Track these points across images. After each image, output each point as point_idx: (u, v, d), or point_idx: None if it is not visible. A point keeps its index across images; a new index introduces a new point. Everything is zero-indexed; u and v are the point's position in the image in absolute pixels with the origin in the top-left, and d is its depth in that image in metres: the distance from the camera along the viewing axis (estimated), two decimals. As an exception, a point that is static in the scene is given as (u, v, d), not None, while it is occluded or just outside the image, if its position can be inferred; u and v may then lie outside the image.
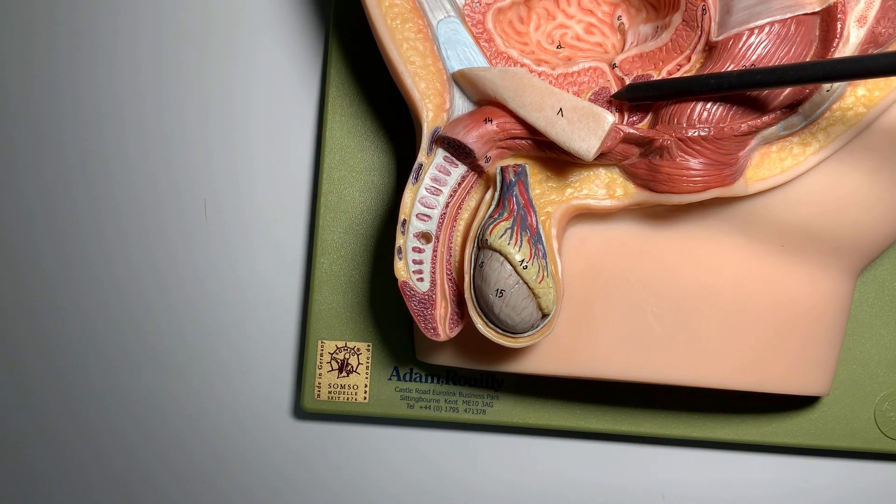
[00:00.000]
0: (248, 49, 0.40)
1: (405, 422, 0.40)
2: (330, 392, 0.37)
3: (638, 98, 0.29)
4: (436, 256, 0.31)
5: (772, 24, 0.28)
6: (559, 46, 0.33)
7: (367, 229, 0.38)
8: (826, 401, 0.37)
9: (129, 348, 0.40)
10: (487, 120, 0.30)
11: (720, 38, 0.29)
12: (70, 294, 0.40)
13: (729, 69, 0.29)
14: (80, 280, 0.40)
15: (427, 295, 0.31)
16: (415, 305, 0.31)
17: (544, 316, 0.30)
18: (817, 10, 0.28)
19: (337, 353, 0.38)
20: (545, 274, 0.29)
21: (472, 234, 0.30)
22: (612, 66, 0.31)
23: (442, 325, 0.31)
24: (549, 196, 0.31)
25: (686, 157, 0.29)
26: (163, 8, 0.41)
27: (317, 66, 0.40)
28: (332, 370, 0.38)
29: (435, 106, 0.31)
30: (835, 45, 0.28)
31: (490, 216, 0.30)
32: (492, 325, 0.30)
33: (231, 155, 0.40)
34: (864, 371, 0.37)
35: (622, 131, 0.29)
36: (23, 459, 0.40)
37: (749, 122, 0.29)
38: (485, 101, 0.30)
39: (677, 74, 0.30)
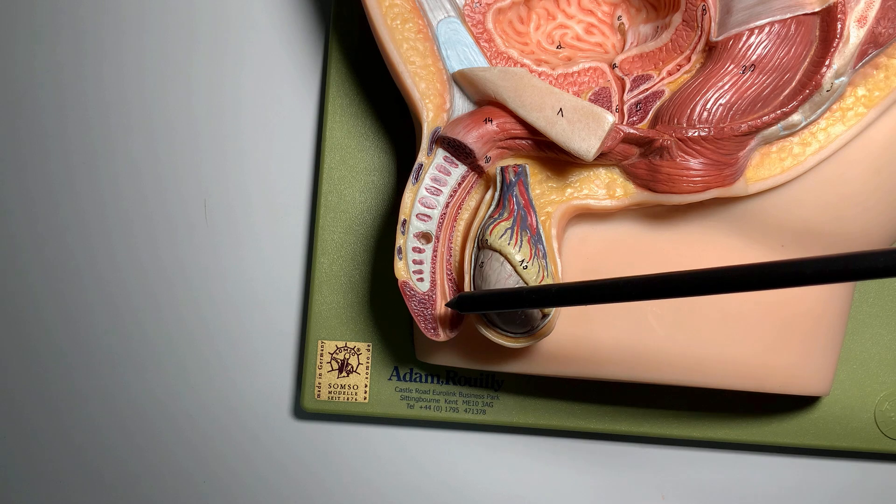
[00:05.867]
0: (248, 49, 0.40)
1: (405, 422, 0.40)
2: (330, 392, 0.37)
3: (466, 309, 0.29)
4: (436, 256, 0.31)
5: (772, 24, 0.28)
6: (559, 46, 0.33)
7: (367, 229, 0.38)
8: (826, 401, 0.37)
9: (129, 348, 0.40)
10: (487, 120, 0.30)
11: (720, 38, 0.29)
12: (70, 294, 0.40)
13: (729, 69, 0.29)
14: (80, 280, 0.40)
15: (427, 295, 0.31)
16: (415, 305, 0.31)
17: (544, 316, 0.30)
18: (817, 10, 0.28)
19: (337, 353, 0.38)
20: (545, 274, 0.29)
21: (472, 234, 0.30)
22: (613, 66, 0.31)
23: (442, 325, 0.31)
24: (549, 196, 0.31)
25: (686, 157, 0.29)
26: (162, 8, 0.40)
27: (317, 66, 0.40)
28: (332, 370, 0.38)
29: (435, 106, 0.31)
30: (835, 45, 0.28)
31: (490, 216, 0.30)
32: (492, 326, 0.30)
33: (231, 155, 0.40)
34: (864, 371, 0.37)
35: (622, 131, 0.29)
36: (21, 458, 0.40)
37: (749, 122, 0.29)
38: (485, 101, 0.30)
39: (677, 74, 0.30)
